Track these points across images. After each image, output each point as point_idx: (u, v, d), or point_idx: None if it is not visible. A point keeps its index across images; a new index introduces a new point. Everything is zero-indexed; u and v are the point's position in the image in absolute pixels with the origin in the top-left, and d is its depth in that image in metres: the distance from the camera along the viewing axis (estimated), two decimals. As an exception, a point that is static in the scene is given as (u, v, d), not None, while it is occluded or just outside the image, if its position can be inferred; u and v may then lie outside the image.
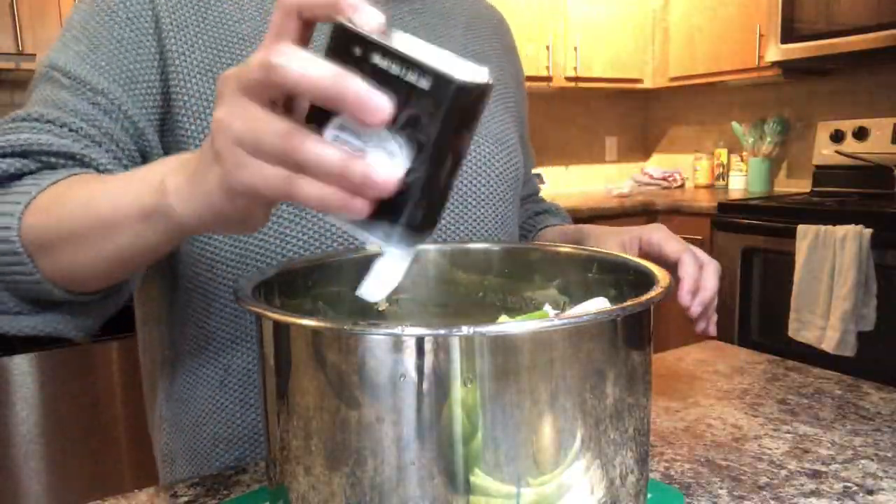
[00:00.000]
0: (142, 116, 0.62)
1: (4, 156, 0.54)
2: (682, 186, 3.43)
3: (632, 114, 3.70)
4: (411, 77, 0.32)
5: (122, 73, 0.62)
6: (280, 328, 0.41)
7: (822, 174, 2.82)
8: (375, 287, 0.38)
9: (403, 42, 0.33)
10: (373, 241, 0.37)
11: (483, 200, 0.75)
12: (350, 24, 0.33)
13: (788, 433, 0.69)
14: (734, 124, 3.11)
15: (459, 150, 0.35)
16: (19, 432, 1.76)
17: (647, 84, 3.24)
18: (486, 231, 0.76)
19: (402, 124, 0.33)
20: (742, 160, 3.19)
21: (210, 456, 0.70)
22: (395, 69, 0.33)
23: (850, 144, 2.70)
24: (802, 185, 2.97)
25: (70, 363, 1.82)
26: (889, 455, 0.63)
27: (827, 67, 2.79)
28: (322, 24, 0.36)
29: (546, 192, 2.42)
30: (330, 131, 0.35)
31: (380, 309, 0.59)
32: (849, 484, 0.58)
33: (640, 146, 3.76)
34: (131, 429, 1.90)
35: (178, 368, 0.71)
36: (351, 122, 0.34)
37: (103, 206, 0.47)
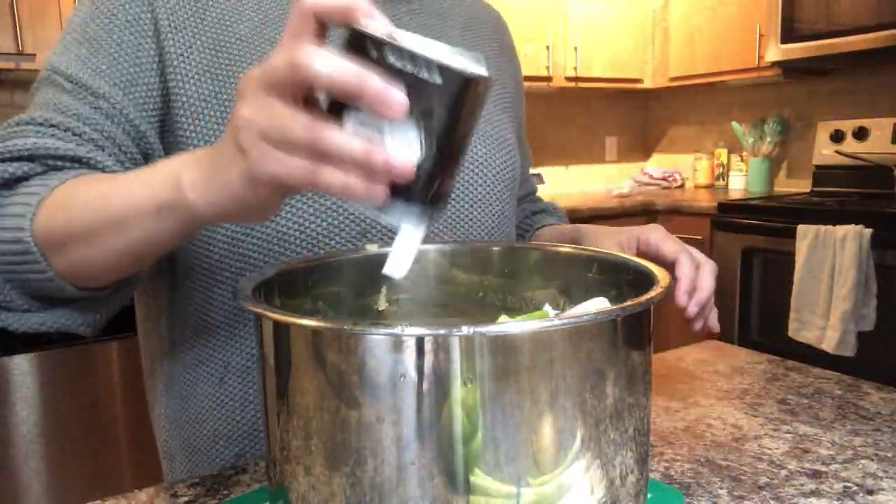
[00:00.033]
0: (142, 119, 0.63)
1: (12, 160, 0.56)
2: (682, 186, 3.43)
3: (632, 114, 3.70)
4: (423, 74, 0.36)
5: (122, 77, 0.62)
6: (280, 328, 0.41)
7: (822, 174, 2.82)
8: (398, 264, 0.41)
9: (412, 41, 0.37)
10: (388, 221, 0.40)
11: (480, 199, 0.76)
12: (364, 29, 0.37)
13: (788, 433, 0.69)
14: (734, 124, 3.11)
15: (466, 135, 0.39)
16: (19, 432, 1.76)
17: (647, 84, 3.24)
18: (483, 230, 0.76)
19: (415, 114, 0.37)
20: (742, 160, 3.19)
21: (209, 452, 0.70)
22: (409, 67, 0.36)
23: (850, 144, 2.70)
24: (802, 185, 2.97)
25: (70, 363, 1.82)
26: (889, 455, 0.63)
27: (827, 67, 2.79)
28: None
29: (546, 192, 2.43)
30: (350, 123, 0.38)
31: (380, 309, 0.59)
32: (849, 484, 0.58)
33: (640, 146, 3.76)
34: (131, 429, 1.90)
35: (178, 366, 0.71)
36: (369, 115, 0.37)
37: (117, 203, 0.49)
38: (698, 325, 0.69)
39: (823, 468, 0.61)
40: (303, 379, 0.39)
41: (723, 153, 3.28)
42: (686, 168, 3.48)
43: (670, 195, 3.06)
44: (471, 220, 0.75)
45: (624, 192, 3.14)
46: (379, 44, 0.37)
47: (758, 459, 0.63)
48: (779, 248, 2.30)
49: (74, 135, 0.59)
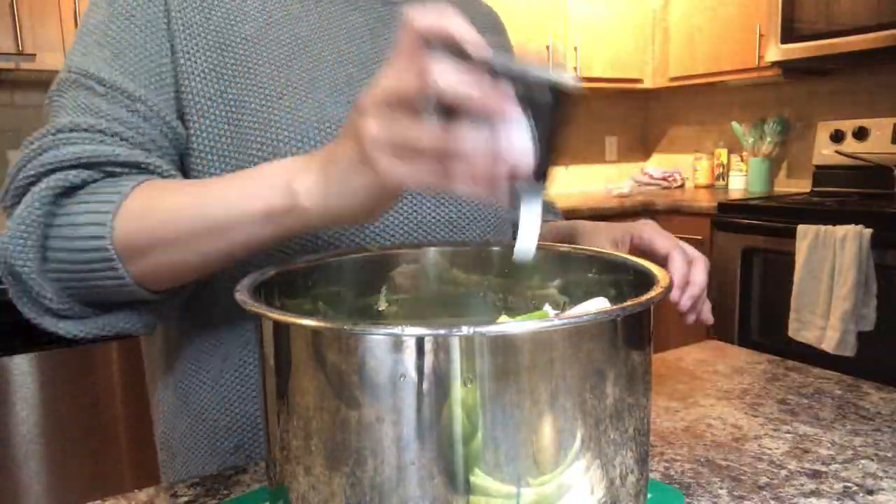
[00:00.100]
0: (175, 119, 0.63)
1: (69, 167, 0.56)
2: (682, 186, 3.43)
3: (632, 114, 3.70)
4: (530, 91, 0.40)
5: (150, 78, 0.62)
6: (280, 328, 0.41)
7: (822, 174, 2.82)
8: (527, 246, 0.45)
9: (516, 62, 0.41)
10: (509, 208, 0.44)
11: (475, 201, 0.76)
12: (470, 50, 0.40)
13: (788, 433, 0.69)
14: (734, 124, 3.11)
15: (567, 130, 0.43)
16: (19, 432, 1.76)
17: (647, 84, 3.24)
18: (480, 229, 0.76)
19: (525, 116, 0.41)
20: (742, 160, 3.19)
21: (209, 444, 0.71)
22: (519, 91, 0.40)
23: (850, 144, 2.70)
24: (802, 185, 2.97)
25: (70, 363, 1.82)
26: (889, 455, 0.63)
27: (827, 67, 2.79)
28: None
29: (546, 192, 2.41)
30: (469, 126, 0.41)
31: (380, 309, 0.59)
32: (849, 484, 0.58)
33: (640, 146, 3.76)
34: (131, 429, 1.90)
35: (178, 358, 0.72)
36: (482, 119, 0.41)
37: (217, 209, 0.52)
38: (691, 318, 0.71)
39: (823, 468, 0.61)
40: (303, 379, 0.39)
41: (723, 153, 3.28)
42: (686, 168, 3.48)
43: (670, 195, 3.06)
44: (469, 219, 0.75)
45: (624, 192, 3.14)
46: (487, 63, 0.40)
47: (758, 459, 0.63)
48: (779, 248, 2.30)
49: (122, 139, 0.60)
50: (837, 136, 2.75)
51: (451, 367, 0.36)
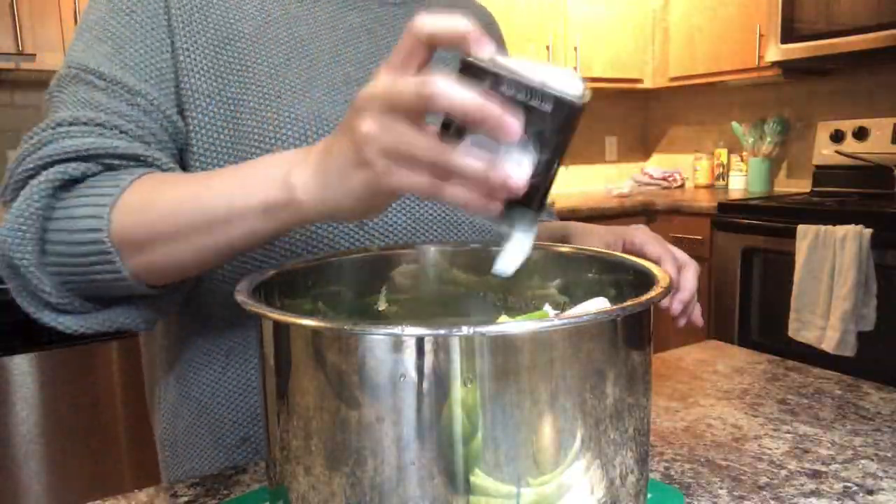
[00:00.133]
0: (175, 113, 0.63)
1: (68, 160, 0.56)
2: (682, 186, 3.43)
3: (632, 114, 3.70)
4: (535, 102, 0.39)
5: (151, 72, 0.62)
6: (280, 328, 0.41)
7: (822, 174, 2.82)
8: (508, 262, 0.45)
9: (517, 66, 0.40)
10: (501, 227, 0.45)
11: None
12: (476, 60, 0.40)
13: (788, 433, 0.69)
14: (734, 124, 3.11)
15: (567, 148, 0.42)
16: (19, 432, 1.76)
17: (647, 84, 3.24)
18: (474, 230, 0.76)
19: (527, 134, 0.40)
20: (742, 160, 3.19)
21: (215, 437, 0.71)
22: (521, 97, 0.39)
23: (850, 144, 2.70)
24: (802, 185, 2.97)
25: (70, 363, 1.82)
26: (889, 455, 0.63)
27: (827, 67, 2.79)
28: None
29: (546, 192, 2.42)
30: (467, 142, 0.41)
31: (380, 309, 0.59)
32: (849, 484, 0.58)
33: (640, 146, 3.76)
34: (131, 429, 1.90)
35: (180, 354, 0.72)
36: (485, 136, 0.40)
37: (215, 203, 0.51)
38: (681, 322, 0.72)
39: (823, 468, 0.61)
40: (303, 379, 0.39)
41: (723, 153, 3.28)
42: (686, 168, 3.48)
43: (670, 195, 3.06)
44: (461, 219, 0.75)
45: (624, 192, 3.14)
46: (494, 75, 0.40)
47: (758, 459, 0.63)
48: (779, 248, 2.30)
49: (122, 132, 0.59)
50: (837, 136, 2.75)
51: (451, 367, 0.36)
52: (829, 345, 2.09)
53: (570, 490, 0.38)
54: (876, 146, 2.62)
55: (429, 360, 0.36)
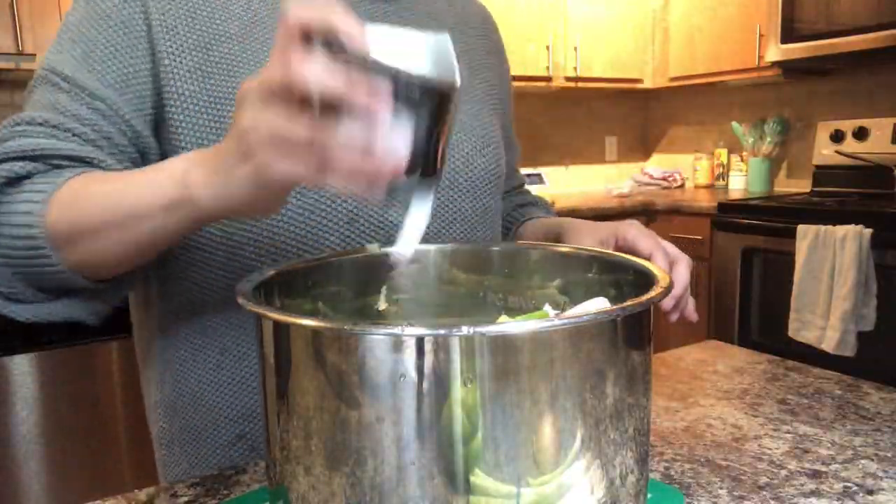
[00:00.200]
0: (137, 119, 0.64)
1: (15, 159, 0.58)
2: (682, 186, 3.43)
3: (632, 114, 3.70)
4: (401, 87, 0.40)
5: (117, 78, 0.63)
6: (280, 328, 0.41)
7: (822, 174, 2.82)
8: (405, 242, 0.45)
9: (385, 44, 0.40)
10: (392, 202, 0.45)
11: (464, 195, 0.76)
12: (343, 49, 0.40)
13: (788, 433, 0.69)
14: (734, 124, 3.11)
15: (448, 118, 0.43)
16: (19, 432, 1.76)
17: (647, 84, 3.24)
18: (467, 225, 0.77)
19: (403, 108, 0.41)
20: (742, 160, 3.19)
21: (211, 434, 0.71)
22: (388, 84, 0.40)
23: (850, 144, 2.70)
24: (802, 185, 2.97)
25: (70, 363, 1.82)
26: (889, 455, 0.63)
27: (827, 67, 2.79)
28: None
29: (546, 192, 2.44)
30: (345, 118, 0.40)
31: (380, 309, 0.59)
32: (849, 484, 0.58)
33: (640, 146, 3.76)
34: (131, 429, 1.90)
35: (173, 352, 0.72)
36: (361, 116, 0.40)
37: (127, 200, 0.53)
38: (674, 317, 0.72)
39: (823, 468, 0.61)
40: (303, 379, 0.39)
41: (723, 153, 3.28)
42: (686, 168, 3.48)
43: (670, 195, 3.06)
44: (455, 214, 0.75)
45: (624, 192, 3.14)
46: (362, 61, 0.40)
47: (758, 459, 0.63)
48: (779, 248, 2.30)
49: (74, 135, 0.61)
50: (837, 136, 2.75)
51: (451, 367, 0.36)
52: (829, 345, 2.09)
53: (570, 490, 0.38)
54: (876, 146, 2.62)
55: (429, 360, 0.36)
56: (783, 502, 0.56)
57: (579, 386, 0.38)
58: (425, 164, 0.43)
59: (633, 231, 0.73)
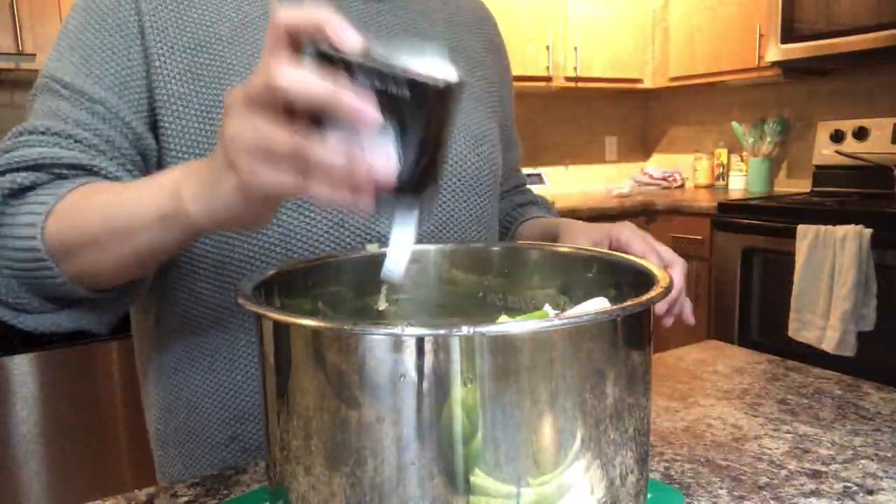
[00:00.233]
0: (137, 120, 0.64)
1: (19, 169, 0.58)
2: (682, 186, 3.43)
3: (632, 114, 3.70)
4: (393, 89, 0.38)
5: (115, 81, 0.63)
6: (280, 328, 0.41)
7: (822, 174, 2.82)
8: (395, 261, 0.43)
9: (382, 53, 0.38)
10: (381, 216, 0.42)
11: (458, 194, 0.76)
12: (331, 50, 0.39)
13: (788, 433, 0.69)
14: (734, 124, 3.11)
15: (444, 127, 0.40)
16: (19, 432, 1.76)
17: (647, 84, 3.24)
18: (462, 226, 0.76)
19: (392, 120, 0.39)
20: (742, 160, 3.19)
21: (204, 436, 0.71)
22: (378, 85, 0.38)
23: (850, 144, 2.70)
24: (802, 185, 2.97)
25: (70, 363, 1.82)
26: (889, 455, 0.63)
27: (827, 67, 2.79)
28: None
29: (546, 192, 2.44)
30: (332, 130, 0.39)
31: (380, 309, 0.59)
32: (849, 484, 0.58)
33: (640, 146, 3.76)
34: (131, 429, 1.90)
35: (167, 355, 0.72)
36: (348, 128, 0.39)
37: (122, 213, 0.53)
38: (668, 321, 0.70)
39: (823, 468, 0.61)
40: (303, 379, 0.39)
41: (723, 153, 3.28)
42: (686, 168, 3.48)
43: (670, 195, 3.06)
44: (448, 214, 0.75)
45: (624, 192, 3.14)
46: (348, 64, 0.38)
47: (758, 459, 0.63)
48: (779, 248, 2.30)
49: (76, 142, 0.61)
50: (837, 136, 2.75)
51: (451, 367, 0.36)
52: (829, 345, 2.09)
53: (570, 490, 0.38)
54: (876, 146, 2.62)
55: (429, 360, 0.36)
56: (783, 502, 0.56)
57: (579, 386, 0.38)
58: (411, 179, 0.40)
59: (627, 233, 0.73)
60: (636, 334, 0.42)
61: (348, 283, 0.58)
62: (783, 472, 0.61)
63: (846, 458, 0.63)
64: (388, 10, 0.76)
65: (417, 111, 0.38)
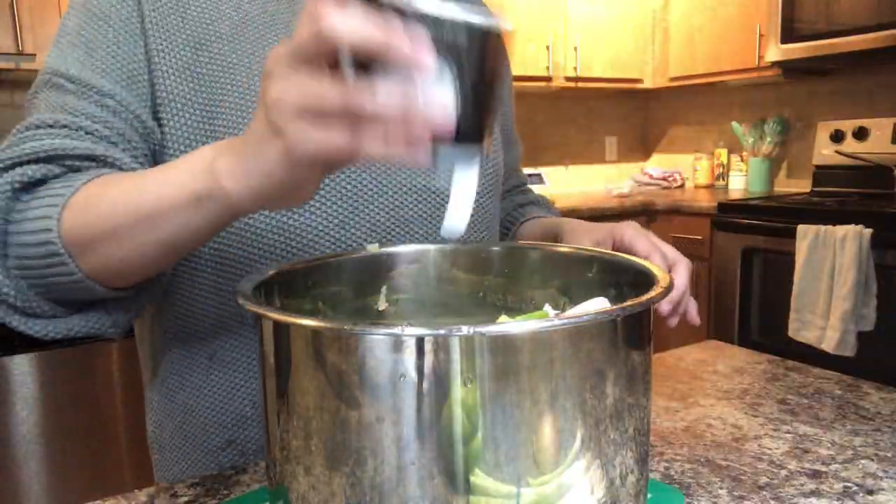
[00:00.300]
0: (147, 114, 0.63)
1: (29, 162, 0.55)
2: (682, 186, 3.43)
3: (632, 114, 3.70)
4: (447, 33, 0.36)
5: (122, 74, 0.62)
6: (280, 328, 0.41)
7: (822, 174, 2.82)
8: (456, 215, 0.41)
9: (434, 4, 0.36)
10: (438, 169, 0.40)
11: None
12: None
13: (788, 433, 0.69)
14: (734, 124, 3.11)
15: (496, 72, 0.39)
16: (19, 432, 1.76)
17: (647, 84, 3.24)
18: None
19: (445, 61, 0.37)
20: (742, 160, 3.19)
21: (201, 439, 0.71)
22: (431, 29, 0.36)
23: (850, 144, 2.70)
24: (802, 185, 2.97)
25: (70, 363, 1.82)
26: (889, 455, 0.63)
27: (827, 67, 2.79)
28: None
29: (546, 191, 2.44)
30: (381, 80, 0.36)
31: (380, 309, 0.59)
32: (849, 484, 0.58)
33: (640, 146, 3.76)
34: (131, 429, 1.90)
35: (165, 356, 0.72)
36: (399, 75, 0.36)
37: (149, 198, 0.49)
38: (673, 322, 0.70)
39: (823, 468, 0.61)
40: (303, 379, 0.39)
41: (723, 153, 3.28)
42: (686, 168, 3.48)
43: (670, 195, 3.06)
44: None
45: (624, 192, 3.14)
46: (399, 10, 0.36)
47: (758, 459, 0.63)
48: (779, 248, 2.30)
49: (87, 133, 0.59)
50: (837, 136, 2.75)
51: (451, 367, 0.36)
52: (829, 345, 2.09)
53: (570, 490, 0.38)
54: (876, 146, 2.62)
55: (429, 360, 0.36)
56: (783, 502, 0.56)
57: (579, 386, 0.38)
58: (471, 125, 0.38)
59: (631, 232, 0.72)
60: (636, 334, 0.42)
61: (348, 283, 0.58)
62: (783, 472, 0.61)
63: (846, 458, 0.63)
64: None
65: (473, 56, 0.37)
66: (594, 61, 3.04)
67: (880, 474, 0.60)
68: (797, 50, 2.51)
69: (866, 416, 0.72)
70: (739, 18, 2.82)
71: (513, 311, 0.59)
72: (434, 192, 0.74)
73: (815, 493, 0.57)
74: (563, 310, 0.57)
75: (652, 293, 0.42)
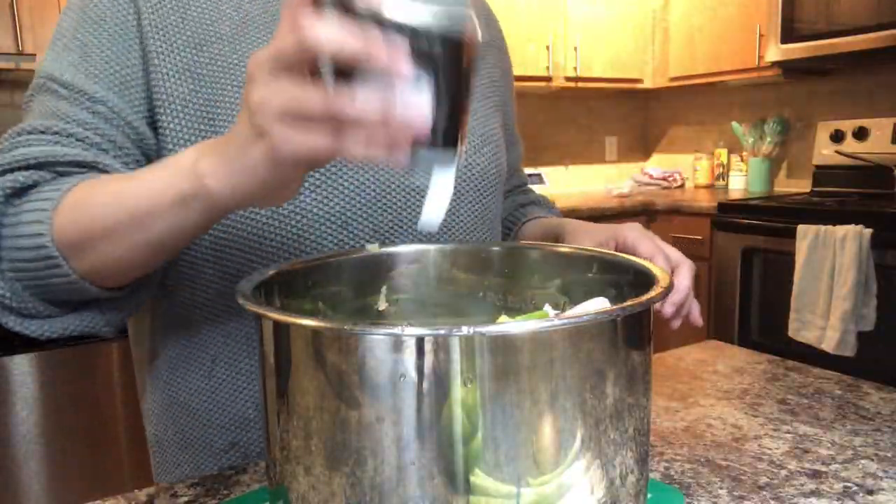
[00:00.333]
0: (139, 120, 0.63)
1: (20, 169, 0.56)
2: (682, 186, 3.43)
3: (632, 114, 3.70)
4: (421, 44, 0.38)
5: (115, 80, 0.63)
6: (280, 328, 0.41)
7: (822, 174, 2.82)
8: (432, 211, 0.43)
9: (405, 3, 0.38)
10: (417, 173, 0.42)
11: (462, 195, 0.76)
12: (354, 3, 0.38)
13: (788, 433, 0.69)
14: (734, 124, 3.11)
15: (471, 73, 0.41)
16: (19, 432, 1.76)
17: (647, 84, 3.24)
18: (465, 225, 0.76)
19: (421, 67, 0.38)
20: (742, 160, 3.19)
21: (204, 441, 0.71)
22: (407, 36, 0.38)
23: (850, 144, 2.70)
24: (802, 185, 2.97)
25: (70, 363, 1.82)
26: (889, 455, 0.63)
27: (827, 67, 2.79)
28: None
29: (546, 191, 2.44)
30: (360, 86, 0.38)
31: (380, 309, 0.59)
32: (849, 484, 0.58)
33: (640, 146, 3.76)
34: (131, 429, 1.90)
35: (166, 359, 0.72)
36: (376, 82, 0.38)
37: (135, 198, 0.50)
38: (676, 324, 0.70)
39: (823, 468, 0.61)
40: (303, 379, 0.39)
41: (723, 153, 3.28)
42: (686, 168, 3.48)
43: (670, 195, 3.06)
44: (451, 217, 0.74)
45: (624, 192, 3.14)
46: (375, 19, 0.38)
47: (758, 459, 0.63)
48: (779, 248, 2.30)
49: (78, 140, 0.60)
50: (837, 136, 2.75)
51: (451, 367, 0.36)
52: (829, 345, 2.09)
53: (570, 490, 0.38)
54: (876, 146, 2.62)
55: (429, 360, 0.36)
56: (783, 502, 0.56)
57: (579, 386, 0.38)
58: (448, 128, 0.40)
59: (634, 234, 0.72)
60: (636, 334, 0.42)
61: (348, 283, 0.58)
62: (783, 472, 0.61)
63: (846, 458, 0.63)
64: None
65: (447, 61, 0.38)
66: (594, 61, 3.04)
67: (880, 474, 0.60)
68: (797, 50, 2.52)
69: (866, 416, 0.72)
70: (739, 18, 2.82)
71: (513, 311, 0.59)
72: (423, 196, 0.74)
73: (815, 493, 0.57)
74: (563, 310, 0.57)
75: (652, 293, 0.42)
